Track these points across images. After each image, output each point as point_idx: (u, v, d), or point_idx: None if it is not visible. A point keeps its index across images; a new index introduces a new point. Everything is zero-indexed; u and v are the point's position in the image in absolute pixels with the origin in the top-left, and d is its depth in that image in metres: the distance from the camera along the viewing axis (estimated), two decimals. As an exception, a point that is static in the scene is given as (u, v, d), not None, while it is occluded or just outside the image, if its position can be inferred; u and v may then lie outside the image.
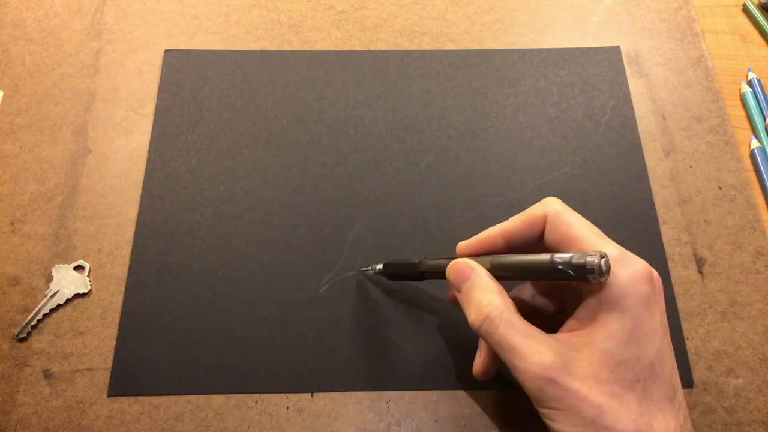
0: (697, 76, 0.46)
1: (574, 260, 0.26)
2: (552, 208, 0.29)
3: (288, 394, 0.36)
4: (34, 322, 0.37)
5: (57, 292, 0.38)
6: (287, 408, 0.35)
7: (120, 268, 0.39)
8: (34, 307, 0.37)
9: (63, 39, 0.47)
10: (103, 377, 0.36)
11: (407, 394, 0.36)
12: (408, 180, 0.42)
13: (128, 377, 0.36)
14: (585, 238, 0.28)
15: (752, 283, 0.39)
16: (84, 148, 0.43)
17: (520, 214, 0.31)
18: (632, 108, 0.45)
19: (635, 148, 0.43)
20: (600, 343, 0.26)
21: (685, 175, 0.42)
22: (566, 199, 0.41)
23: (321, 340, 0.37)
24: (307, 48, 0.47)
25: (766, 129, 0.44)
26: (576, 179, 0.42)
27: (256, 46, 0.47)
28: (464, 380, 0.36)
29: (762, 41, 0.49)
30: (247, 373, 0.36)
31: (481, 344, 0.33)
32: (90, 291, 0.38)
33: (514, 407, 0.35)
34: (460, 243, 0.33)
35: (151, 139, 0.43)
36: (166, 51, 0.46)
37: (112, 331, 0.37)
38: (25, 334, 0.37)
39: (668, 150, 0.43)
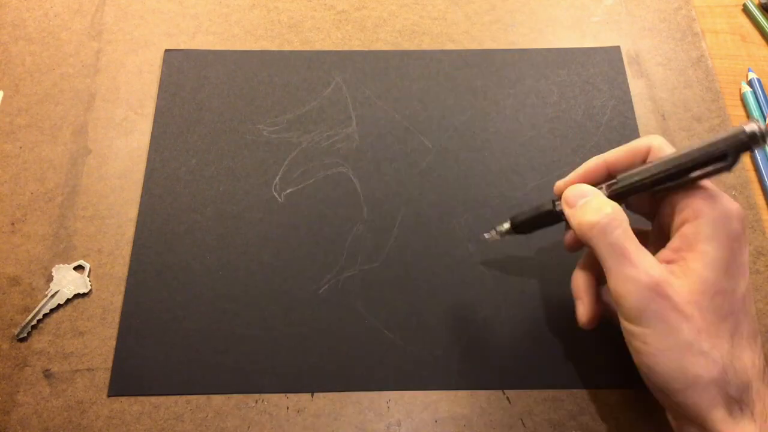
0: (697, 76, 0.46)
1: (736, 133, 0.26)
2: (657, 141, 0.30)
3: (288, 394, 0.36)
4: (34, 322, 0.37)
5: (57, 292, 0.38)
6: (287, 408, 0.35)
7: (120, 268, 0.39)
8: (34, 307, 0.37)
9: (63, 39, 0.47)
10: (103, 377, 0.36)
11: (407, 394, 0.36)
12: (408, 180, 0.42)
13: (128, 377, 0.36)
14: None
15: (752, 283, 0.39)
16: (84, 148, 0.43)
17: (622, 146, 0.31)
18: (632, 108, 0.45)
19: (635, 148, 0.43)
20: (699, 270, 0.26)
21: (685, 175, 0.42)
22: (566, 199, 0.41)
23: (321, 340, 0.37)
24: (307, 48, 0.47)
25: (766, 129, 0.44)
26: (576, 179, 0.42)
27: (256, 46, 0.47)
28: (464, 380, 0.36)
29: (762, 41, 0.49)
30: (247, 373, 0.36)
31: (581, 290, 0.33)
32: (90, 291, 0.38)
33: (515, 407, 0.35)
34: (559, 182, 0.33)
35: (151, 139, 0.43)
36: (166, 51, 0.46)
37: (112, 331, 0.37)
38: (25, 334, 0.37)
39: (668, 150, 0.43)
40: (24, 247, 0.39)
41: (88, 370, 0.36)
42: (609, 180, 0.31)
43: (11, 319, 0.37)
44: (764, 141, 0.25)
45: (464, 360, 0.37)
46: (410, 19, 0.48)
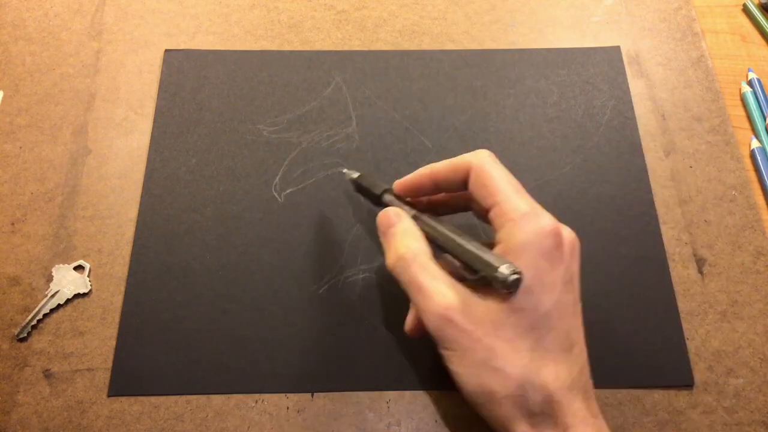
0: (697, 76, 0.46)
1: (486, 269, 0.27)
2: (478, 159, 0.31)
3: (288, 394, 0.36)
4: (34, 322, 0.37)
5: (57, 292, 0.38)
6: (287, 408, 0.35)
7: (120, 268, 0.39)
8: (34, 307, 0.37)
9: (63, 39, 0.47)
10: (103, 377, 0.36)
11: (407, 394, 0.36)
12: (408, 180, 0.42)
13: (128, 377, 0.36)
14: (502, 192, 0.29)
15: (752, 283, 0.39)
16: (84, 148, 0.43)
17: (450, 159, 0.32)
18: (632, 108, 0.45)
19: (635, 148, 0.43)
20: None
21: (685, 175, 0.42)
22: (566, 199, 0.41)
23: (321, 340, 0.37)
24: (307, 48, 0.47)
25: (766, 129, 0.44)
26: (576, 179, 0.42)
27: (256, 46, 0.47)
28: (464, 380, 0.36)
29: (762, 41, 0.49)
30: (247, 373, 0.36)
31: (412, 304, 0.34)
32: (90, 291, 0.38)
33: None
34: (396, 181, 0.35)
35: (151, 139, 0.43)
36: (166, 51, 0.46)
37: (112, 331, 0.37)
38: (25, 334, 0.37)
39: (668, 150, 0.43)
40: (24, 247, 0.39)
41: (88, 370, 0.36)
42: (435, 193, 0.34)
43: (11, 319, 0.37)
44: (508, 289, 0.27)
45: (464, 360, 0.36)
46: (410, 19, 0.48)
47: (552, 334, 0.28)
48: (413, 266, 0.30)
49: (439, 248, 0.31)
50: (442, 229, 0.31)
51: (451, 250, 0.30)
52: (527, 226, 0.28)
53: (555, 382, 0.27)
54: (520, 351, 0.27)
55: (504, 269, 0.26)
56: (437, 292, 0.29)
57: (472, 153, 0.31)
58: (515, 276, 0.26)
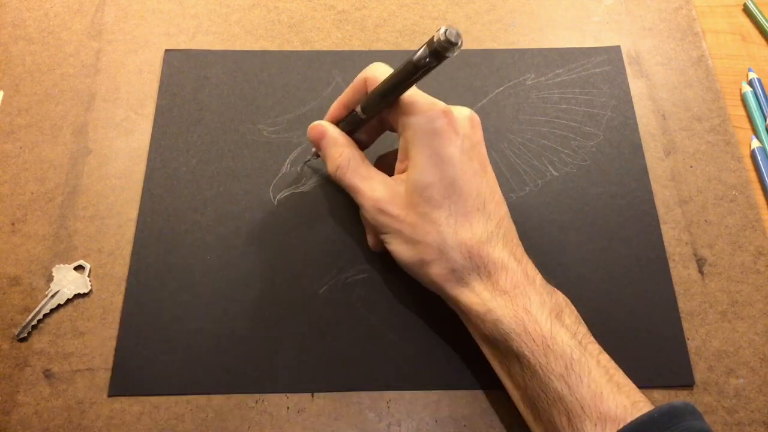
0: (697, 76, 0.46)
1: (429, 47, 0.28)
2: (371, 69, 0.34)
3: (288, 394, 0.36)
4: (34, 322, 0.37)
5: (57, 292, 0.38)
6: (287, 408, 0.35)
7: (120, 268, 0.39)
8: (35, 307, 0.37)
9: (63, 39, 0.47)
10: (104, 377, 0.36)
11: (407, 394, 0.36)
12: (408, 180, 0.42)
13: (128, 377, 0.36)
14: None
15: (753, 283, 0.39)
16: (84, 148, 0.43)
17: (350, 84, 0.36)
18: (632, 108, 0.45)
19: (635, 148, 0.43)
20: (410, 175, 0.33)
21: (685, 175, 0.42)
22: (566, 199, 0.41)
23: (321, 340, 0.37)
24: (307, 48, 0.47)
25: (766, 129, 0.44)
26: (576, 179, 0.42)
27: (256, 46, 0.47)
28: (464, 380, 0.36)
29: (762, 41, 0.48)
30: (247, 373, 0.36)
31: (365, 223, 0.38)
32: (90, 291, 0.38)
33: (514, 407, 0.35)
34: (324, 121, 0.38)
35: (151, 139, 0.43)
36: (166, 51, 0.46)
37: (112, 331, 0.37)
38: (26, 334, 0.37)
39: (668, 150, 0.43)
40: (24, 247, 0.39)
41: (88, 370, 0.36)
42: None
43: (11, 319, 0.37)
44: (455, 42, 0.27)
45: (464, 360, 0.37)
46: (410, 19, 0.48)
47: (462, 198, 0.32)
48: (348, 172, 0.35)
49: (390, 97, 0.33)
50: (379, 85, 0.33)
51: (400, 81, 0.31)
52: (419, 116, 0.32)
53: (471, 239, 0.32)
54: (437, 221, 0.32)
55: (440, 31, 0.27)
56: (370, 189, 0.34)
57: (364, 69, 0.34)
58: (450, 29, 0.27)
